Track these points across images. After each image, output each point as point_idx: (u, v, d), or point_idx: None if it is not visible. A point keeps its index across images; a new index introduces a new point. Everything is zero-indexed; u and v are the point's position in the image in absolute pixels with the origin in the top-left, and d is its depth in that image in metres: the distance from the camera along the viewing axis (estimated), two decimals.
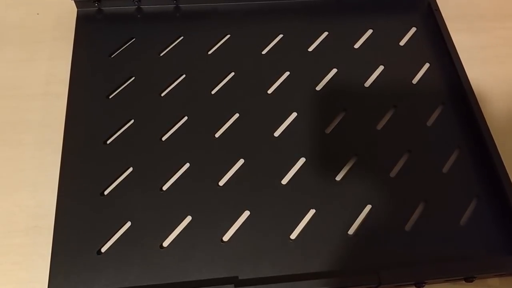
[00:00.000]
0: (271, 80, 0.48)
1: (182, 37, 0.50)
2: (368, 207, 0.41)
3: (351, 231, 0.40)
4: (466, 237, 0.40)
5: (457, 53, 0.50)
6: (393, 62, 0.50)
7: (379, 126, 0.46)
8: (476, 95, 0.47)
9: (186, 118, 0.45)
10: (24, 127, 0.45)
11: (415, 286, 0.38)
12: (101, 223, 0.39)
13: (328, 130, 0.45)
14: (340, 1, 0.54)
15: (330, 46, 0.50)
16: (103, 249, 0.38)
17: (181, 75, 0.47)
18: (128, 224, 0.39)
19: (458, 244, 0.40)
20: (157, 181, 0.41)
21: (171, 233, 0.39)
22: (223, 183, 0.42)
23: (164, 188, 0.41)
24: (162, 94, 0.46)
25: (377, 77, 0.49)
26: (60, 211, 0.39)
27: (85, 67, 0.47)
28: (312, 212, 0.41)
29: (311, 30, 0.51)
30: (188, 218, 0.40)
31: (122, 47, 0.49)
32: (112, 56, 0.48)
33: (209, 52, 0.49)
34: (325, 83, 0.48)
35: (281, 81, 0.48)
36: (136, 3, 0.51)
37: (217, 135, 0.44)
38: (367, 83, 0.48)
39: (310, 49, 0.50)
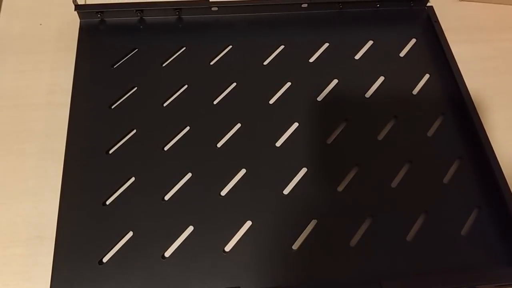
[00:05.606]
0: (272, 91, 0.48)
1: (184, 48, 0.50)
2: (370, 217, 0.41)
3: (352, 242, 0.40)
4: (467, 247, 0.41)
5: (456, 64, 0.50)
6: (394, 73, 0.50)
7: (380, 137, 0.46)
8: (476, 106, 0.47)
9: (188, 128, 0.45)
10: (27, 136, 0.45)
11: None
12: (103, 233, 0.39)
13: (330, 140, 0.46)
14: (341, 12, 0.54)
15: (331, 57, 0.51)
16: (105, 259, 0.38)
17: (183, 85, 0.48)
18: (130, 234, 0.39)
19: (459, 254, 0.40)
20: (159, 191, 0.42)
21: (173, 243, 0.39)
22: (225, 193, 0.42)
23: (166, 198, 0.41)
24: (165, 104, 0.46)
25: (378, 87, 0.49)
26: (62, 221, 0.39)
27: (87, 77, 0.47)
28: (314, 222, 0.41)
29: (312, 41, 0.52)
30: (190, 228, 0.40)
31: (124, 57, 0.49)
32: (115, 67, 0.48)
33: (211, 63, 0.50)
34: (326, 93, 0.48)
35: (283, 91, 0.48)
36: (138, 14, 0.51)
37: (219, 145, 0.44)
38: (368, 94, 0.49)
39: (311, 60, 0.51)
